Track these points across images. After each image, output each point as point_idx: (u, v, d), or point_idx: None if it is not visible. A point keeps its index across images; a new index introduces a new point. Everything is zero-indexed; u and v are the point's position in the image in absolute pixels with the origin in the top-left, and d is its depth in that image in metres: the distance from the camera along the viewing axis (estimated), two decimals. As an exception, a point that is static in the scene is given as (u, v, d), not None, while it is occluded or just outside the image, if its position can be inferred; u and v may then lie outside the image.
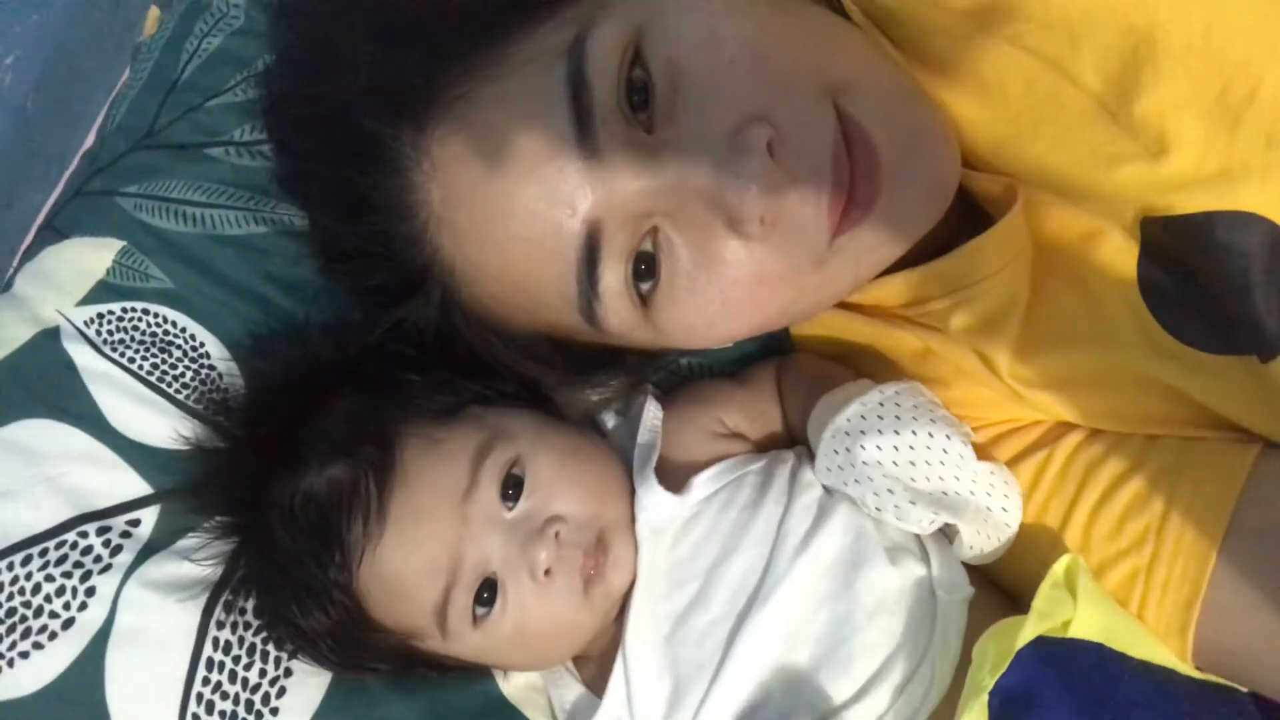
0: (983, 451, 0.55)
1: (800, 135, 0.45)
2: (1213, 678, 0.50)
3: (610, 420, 0.61)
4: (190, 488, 0.58)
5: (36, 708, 0.55)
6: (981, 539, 0.51)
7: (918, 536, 0.53)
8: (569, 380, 0.59)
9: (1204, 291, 0.48)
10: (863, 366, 0.60)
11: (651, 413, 0.58)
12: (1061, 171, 0.49)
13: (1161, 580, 0.50)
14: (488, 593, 0.52)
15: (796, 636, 0.51)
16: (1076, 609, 0.49)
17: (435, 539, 0.51)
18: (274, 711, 0.56)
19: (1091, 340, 0.52)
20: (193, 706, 0.56)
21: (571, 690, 0.57)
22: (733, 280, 0.47)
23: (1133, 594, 0.51)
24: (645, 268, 0.47)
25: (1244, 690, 0.50)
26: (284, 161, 0.55)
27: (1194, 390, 0.51)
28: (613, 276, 0.47)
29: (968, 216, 0.54)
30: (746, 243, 0.45)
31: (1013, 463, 0.55)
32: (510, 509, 0.52)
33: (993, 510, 0.50)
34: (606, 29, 0.45)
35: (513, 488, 0.53)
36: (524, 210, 0.46)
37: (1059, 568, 0.50)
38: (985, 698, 0.46)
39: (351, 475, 0.51)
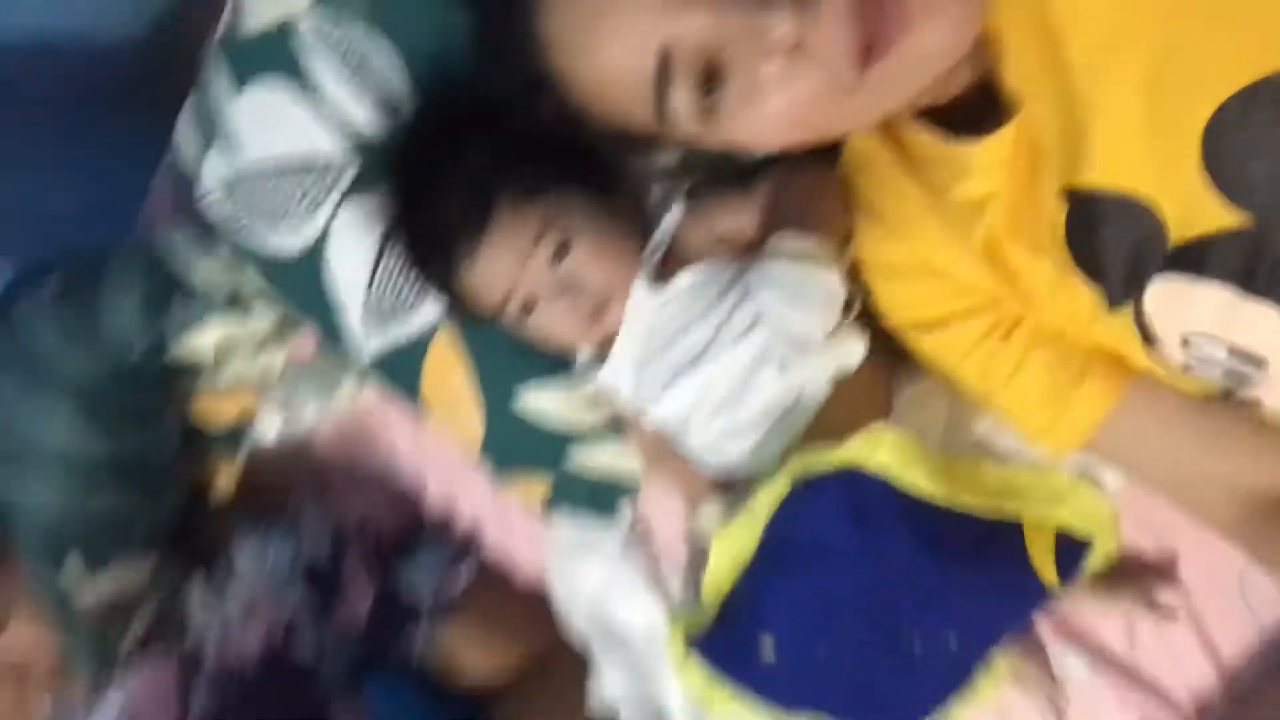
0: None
1: None
2: (977, 509, 0.74)
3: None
4: (377, 162, 0.86)
5: (296, 264, 0.92)
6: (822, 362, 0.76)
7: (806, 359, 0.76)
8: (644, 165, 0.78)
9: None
10: (878, 194, 0.73)
11: (671, 217, 0.80)
12: (1038, 108, 0.60)
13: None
14: (529, 309, 0.80)
15: (709, 392, 0.79)
16: (880, 453, 0.72)
17: (504, 270, 0.79)
18: (418, 304, 0.91)
19: (1041, 248, 0.63)
20: (375, 283, 0.92)
21: (587, 354, 0.88)
22: (773, 101, 0.56)
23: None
24: (708, 86, 0.57)
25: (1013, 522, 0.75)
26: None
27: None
28: (679, 97, 0.58)
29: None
30: (781, 70, 0.55)
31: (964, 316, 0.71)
32: (554, 266, 0.79)
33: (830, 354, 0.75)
34: None
35: (559, 256, 0.78)
36: (609, 36, 0.58)
37: (885, 434, 0.72)
38: (779, 486, 0.73)
39: (467, 205, 0.78)
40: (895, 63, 0.54)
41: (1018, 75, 0.59)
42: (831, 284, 0.73)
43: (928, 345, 0.74)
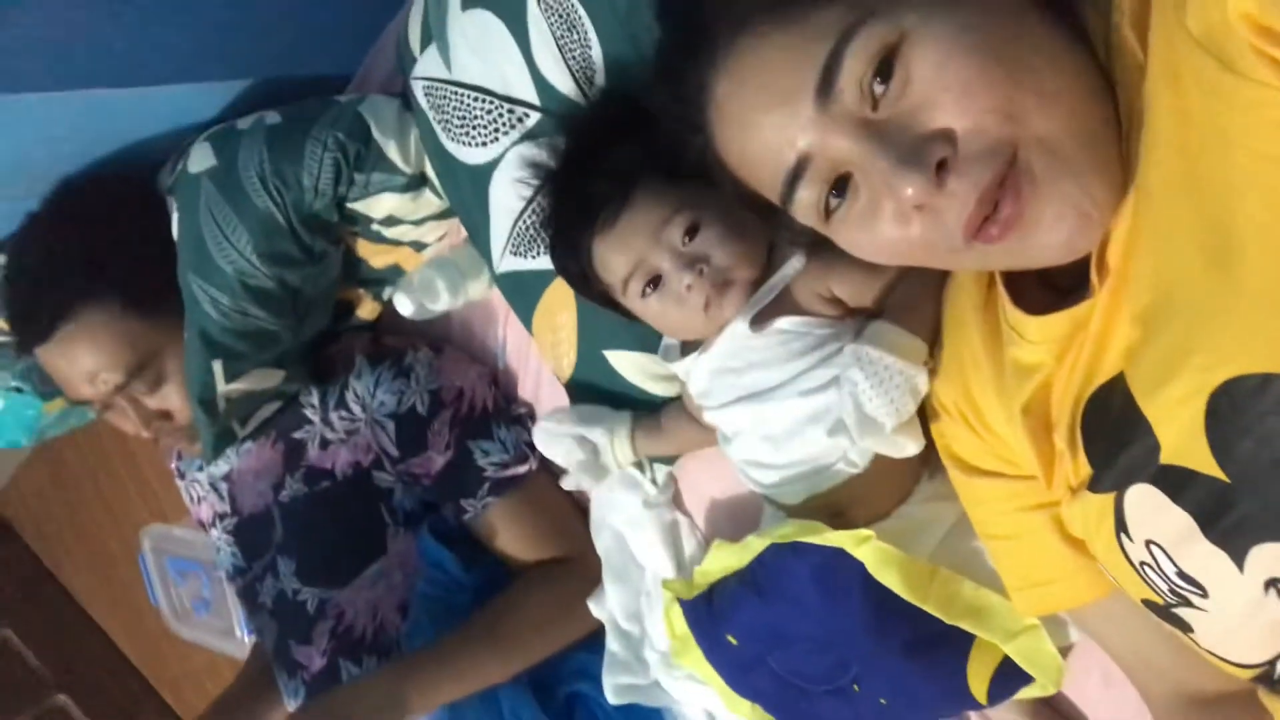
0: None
1: (971, 163, 0.56)
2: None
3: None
4: (555, 122, 0.95)
5: (472, 171, 1.04)
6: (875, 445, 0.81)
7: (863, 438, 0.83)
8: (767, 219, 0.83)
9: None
10: (950, 327, 0.78)
11: (791, 265, 0.86)
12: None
13: None
14: (652, 286, 0.87)
15: (761, 425, 0.88)
16: (861, 551, 0.81)
17: (633, 249, 0.85)
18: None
19: (1060, 420, 0.66)
20: (523, 219, 1.03)
21: (674, 341, 0.97)
22: (883, 232, 0.61)
23: None
24: (837, 192, 0.62)
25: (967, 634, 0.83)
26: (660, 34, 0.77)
27: None
28: (805, 193, 0.63)
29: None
30: (901, 215, 0.60)
31: (995, 476, 0.75)
32: (685, 245, 0.85)
33: (887, 443, 0.80)
34: (877, 26, 0.57)
35: (690, 235, 0.84)
36: (761, 127, 0.63)
37: (870, 540, 0.80)
38: (772, 539, 0.84)
39: (609, 192, 0.86)
40: (1004, 249, 0.58)
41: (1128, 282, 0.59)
42: (920, 385, 0.78)
43: (954, 476, 0.80)
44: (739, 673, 0.97)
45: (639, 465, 1.09)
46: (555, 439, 1.08)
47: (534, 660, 1.15)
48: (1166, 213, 0.55)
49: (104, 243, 1.13)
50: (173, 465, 1.42)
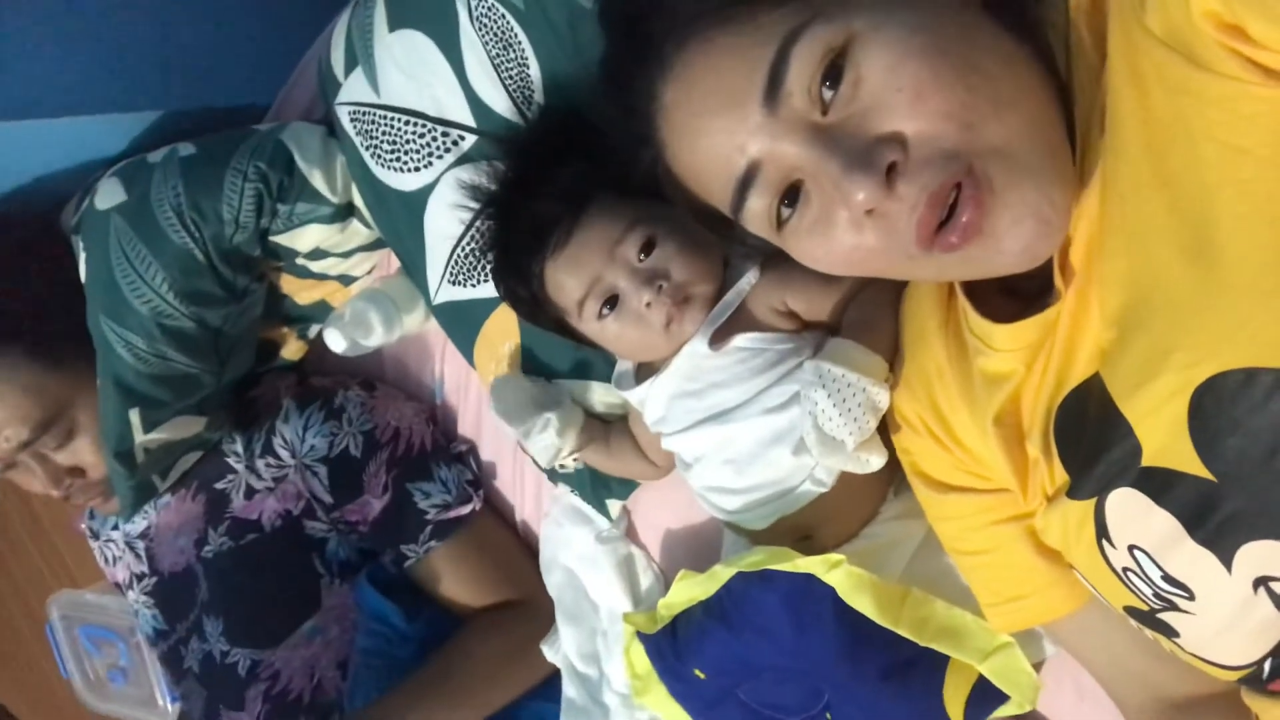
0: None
1: (921, 167, 0.54)
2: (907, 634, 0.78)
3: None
4: (494, 143, 0.91)
5: (405, 198, 0.99)
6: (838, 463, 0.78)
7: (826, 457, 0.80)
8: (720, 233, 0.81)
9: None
10: (911, 340, 0.76)
11: (746, 280, 0.83)
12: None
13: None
14: (609, 306, 0.83)
15: (724, 448, 0.84)
16: (832, 576, 0.78)
17: (588, 268, 0.82)
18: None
19: (1032, 429, 0.65)
20: (463, 244, 0.99)
21: (627, 368, 0.94)
22: (838, 241, 0.59)
23: None
24: (788, 201, 0.61)
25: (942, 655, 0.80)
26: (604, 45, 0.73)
27: None
28: (756, 202, 0.61)
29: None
30: (854, 222, 0.58)
31: (964, 491, 0.74)
32: (642, 261, 0.82)
33: (850, 460, 0.77)
34: (823, 28, 0.56)
35: (646, 251, 0.81)
36: (710, 133, 0.61)
37: (841, 564, 0.78)
38: (739, 567, 0.80)
39: (558, 214, 0.82)
40: (962, 257, 0.56)
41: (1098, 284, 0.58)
42: (880, 402, 0.75)
43: (920, 494, 0.78)
44: (706, 708, 0.93)
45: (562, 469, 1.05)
46: (516, 395, 0.99)
47: (487, 712, 1.09)
48: (1138, 212, 0.54)
49: (3, 288, 1.05)
50: (83, 526, 1.33)
